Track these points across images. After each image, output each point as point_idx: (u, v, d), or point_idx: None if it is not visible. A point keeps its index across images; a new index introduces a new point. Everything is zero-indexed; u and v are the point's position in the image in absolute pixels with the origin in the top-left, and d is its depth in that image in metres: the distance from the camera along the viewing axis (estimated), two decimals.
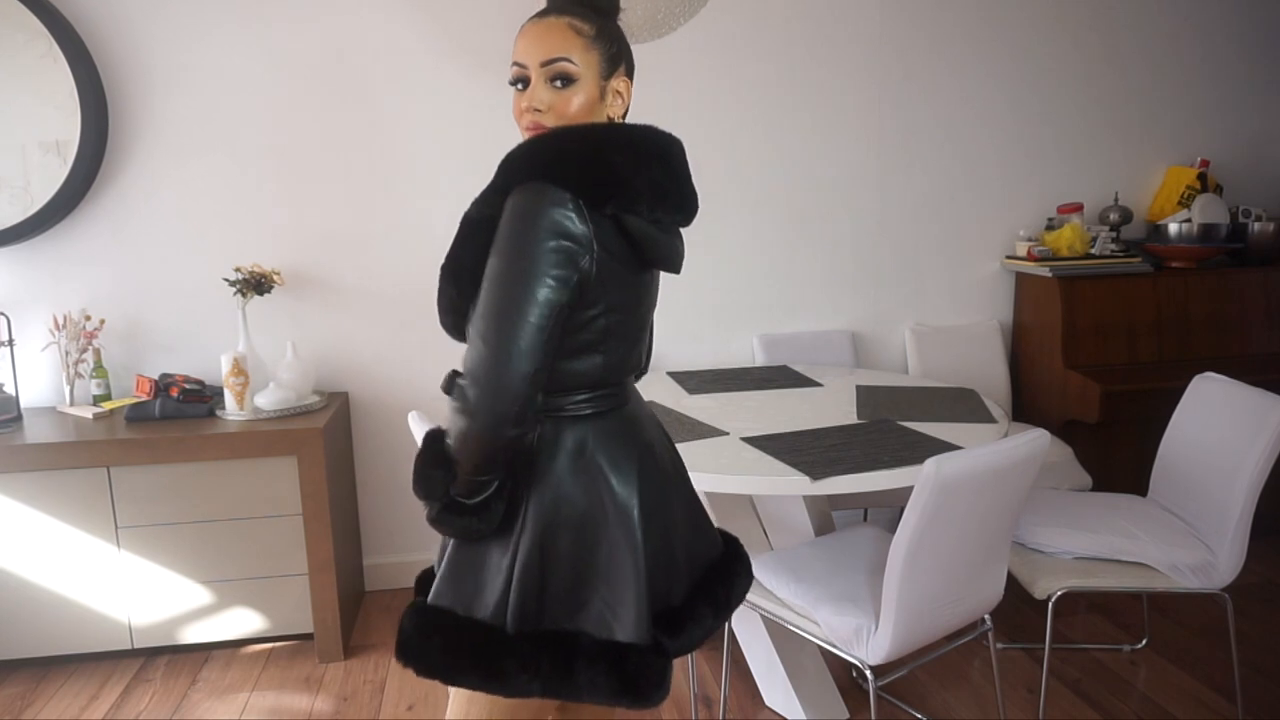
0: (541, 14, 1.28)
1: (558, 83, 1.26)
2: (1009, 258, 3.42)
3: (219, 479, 2.60)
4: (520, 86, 1.28)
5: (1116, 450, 3.17)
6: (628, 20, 2.29)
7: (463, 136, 3.00)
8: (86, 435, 2.56)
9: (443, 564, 1.34)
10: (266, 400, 2.72)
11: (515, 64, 1.28)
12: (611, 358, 1.30)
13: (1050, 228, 3.35)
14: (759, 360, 3.22)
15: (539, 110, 1.27)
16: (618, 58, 1.32)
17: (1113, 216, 3.36)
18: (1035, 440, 1.83)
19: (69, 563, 2.58)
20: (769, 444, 2.11)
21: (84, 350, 2.80)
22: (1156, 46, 3.43)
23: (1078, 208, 3.34)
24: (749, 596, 2.04)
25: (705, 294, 3.24)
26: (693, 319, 3.26)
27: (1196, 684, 2.50)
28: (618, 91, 1.33)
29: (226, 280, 2.78)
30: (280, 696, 2.53)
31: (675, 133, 1.32)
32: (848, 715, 2.36)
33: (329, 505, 2.62)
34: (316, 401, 2.81)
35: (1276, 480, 2.09)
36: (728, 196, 3.20)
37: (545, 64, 1.25)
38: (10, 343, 2.80)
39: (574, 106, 1.27)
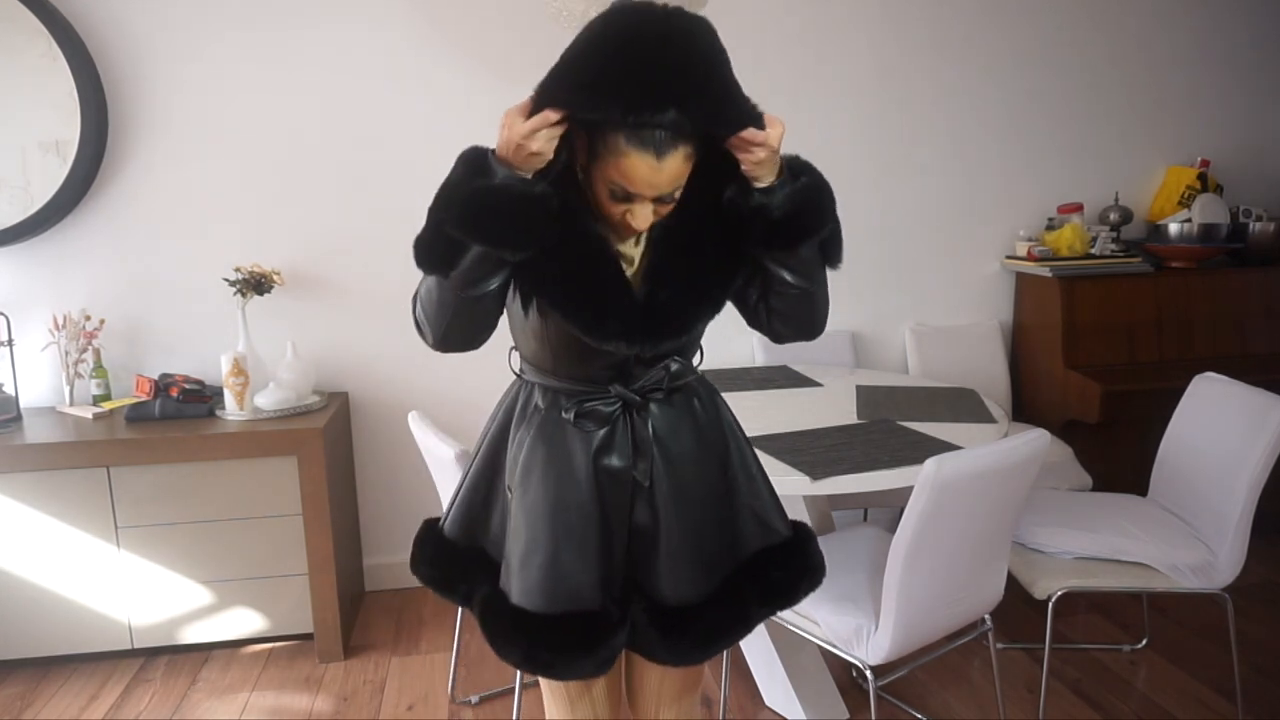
0: (661, 151, 1.18)
1: (665, 200, 1.25)
2: (1009, 258, 3.42)
3: (219, 479, 2.60)
4: (618, 195, 1.24)
5: (1116, 450, 3.17)
6: None
7: (462, 137, 2.97)
8: (86, 435, 2.56)
9: None
10: (266, 400, 2.72)
11: (622, 188, 1.22)
12: None
13: (1050, 228, 3.35)
14: (759, 360, 3.22)
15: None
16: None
17: (1113, 216, 3.36)
18: (1035, 440, 1.83)
19: (69, 563, 2.57)
20: (769, 444, 2.11)
21: (84, 350, 2.80)
22: (1156, 46, 3.42)
23: (1078, 208, 3.34)
24: None
25: None
26: None
27: (1196, 684, 2.50)
28: None
29: (226, 280, 2.78)
30: (280, 696, 2.53)
31: None
32: (848, 715, 2.36)
33: (329, 505, 2.62)
34: (316, 401, 2.81)
35: (1276, 480, 2.09)
36: None
37: (660, 198, 1.24)
38: (10, 343, 2.79)
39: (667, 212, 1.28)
